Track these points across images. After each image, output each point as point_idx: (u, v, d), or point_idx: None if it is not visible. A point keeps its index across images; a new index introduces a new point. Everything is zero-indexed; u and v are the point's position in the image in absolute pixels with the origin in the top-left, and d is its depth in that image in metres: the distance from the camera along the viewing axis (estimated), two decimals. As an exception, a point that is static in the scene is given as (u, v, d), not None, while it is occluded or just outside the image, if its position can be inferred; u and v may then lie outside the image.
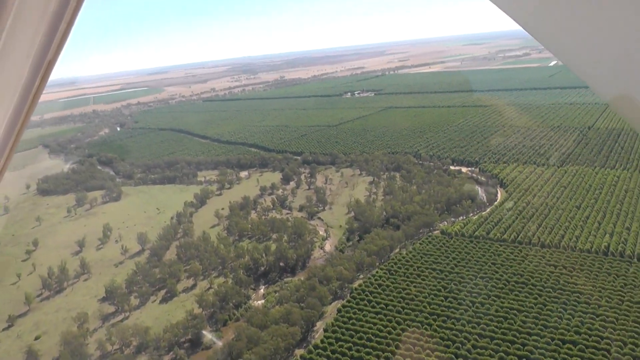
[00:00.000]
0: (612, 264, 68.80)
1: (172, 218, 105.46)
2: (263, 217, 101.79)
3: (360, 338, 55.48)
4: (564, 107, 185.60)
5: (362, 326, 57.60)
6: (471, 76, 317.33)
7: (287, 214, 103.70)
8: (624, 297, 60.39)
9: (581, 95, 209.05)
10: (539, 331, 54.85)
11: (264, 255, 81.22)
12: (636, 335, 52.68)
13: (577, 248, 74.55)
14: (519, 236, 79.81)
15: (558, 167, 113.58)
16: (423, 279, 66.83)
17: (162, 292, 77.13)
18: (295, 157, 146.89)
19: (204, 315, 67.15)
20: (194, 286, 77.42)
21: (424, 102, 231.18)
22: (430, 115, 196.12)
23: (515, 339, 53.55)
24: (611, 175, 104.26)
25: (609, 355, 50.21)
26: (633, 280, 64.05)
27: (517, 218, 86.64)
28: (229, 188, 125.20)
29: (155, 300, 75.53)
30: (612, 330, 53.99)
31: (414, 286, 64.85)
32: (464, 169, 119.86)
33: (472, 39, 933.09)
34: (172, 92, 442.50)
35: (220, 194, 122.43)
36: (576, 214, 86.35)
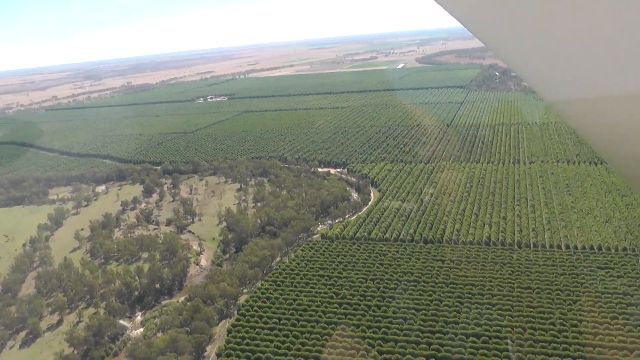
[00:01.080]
0: (496, 253, 74.80)
1: (24, 245, 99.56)
2: (129, 235, 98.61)
3: (259, 359, 52.05)
4: (419, 106, 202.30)
5: (257, 345, 54.40)
6: (323, 79, 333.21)
7: (155, 229, 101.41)
8: (513, 283, 65.63)
9: (434, 95, 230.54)
10: (441, 328, 56.77)
11: (136, 277, 77.92)
12: (532, 320, 57.28)
13: (460, 241, 79.86)
14: (401, 234, 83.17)
15: (426, 164, 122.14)
16: (312, 287, 65.55)
17: (22, 333, 69.16)
18: (155, 167, 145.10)
19: (77, 355, 61.50)
20: (60, 322, 71.19)
21: (280, 105, 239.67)
22: (289, 118, 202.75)
23: (420, 339, 54.64)
24: (478, 168, 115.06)
25: (511, 343, 53.76)
26: (518, 267, 70.17)
27: (395, 216, 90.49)
28: (87, 205, 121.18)
29: (13, 346, 66.94)
30: (510, 317, 58.06)
31: (304, 295, 63.21)
32: (332, 171, 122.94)
33: (318, 43, 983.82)
34: (8, 101, 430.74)
35: (77, 213, 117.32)
36: (452, 208, 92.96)
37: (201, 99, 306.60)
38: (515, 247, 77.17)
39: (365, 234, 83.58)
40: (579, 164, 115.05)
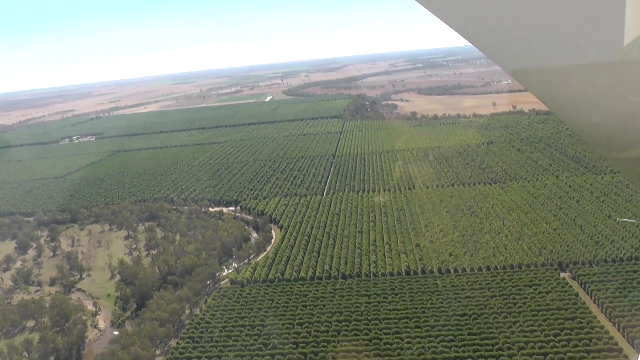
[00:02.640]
0: (420, 282, 74.99)
1: None
2: (7, 301, 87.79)
3: None
4: (299, 137, 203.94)
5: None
6: (193, 114, 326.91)
7: (38, 291, 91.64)
8: (447, 312, 65.81)
9: (311, 125, 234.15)
10: (388, 369, 54.70)
11: (25, 353, 68.88)
12: (479, 348, 57.28)
13: (380, 273, 79.20)
14: (316, 272, 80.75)
15: (322, 196, 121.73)
16: (236, 340, 60.32)
17: None
18: (27, 218, 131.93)
19: None
20: None
21: (154, 143, 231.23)
22: (165, 156, 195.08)
23: (370, 385, 52.00)
24: (378, 197, 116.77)
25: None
26: (447, 294, 70.70)
27: (304, 253, 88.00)
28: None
29: None
30: (455, 348, 57.58)
31: (229, 350, 57.76)
32: (225, 210, 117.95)
33: (178, 77, 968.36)
34: None
35: None
36: (362, 240, 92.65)
37: (67, 139, 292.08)
38: (437, 273, 78.13)
39: (279, 274, 79.93)
40: (474, 185, 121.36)
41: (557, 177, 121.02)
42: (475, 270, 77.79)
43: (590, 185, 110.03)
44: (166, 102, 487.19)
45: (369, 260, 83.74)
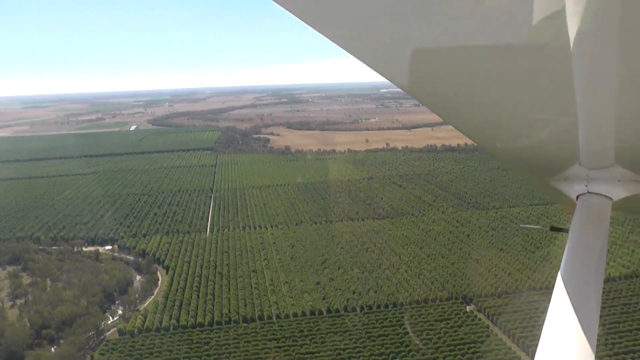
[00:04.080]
0: (328, 322, 73.10)
1: None
2: None
3: None
4: (173, 170, 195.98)
5: None
6: (53, 141, 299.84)
7: None
8: (364, 353, 64.48)
9: (183, 157, 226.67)
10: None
11: None
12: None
13: (284, 315, 76.24)
14: (214, 316, 75.89)
15: (206, 233, 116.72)
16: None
17: None
18: None
19: None
20: None
21: (10, 173, 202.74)
22: (24, 188, 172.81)
23: None
24: (265, 234, 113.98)
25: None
26: (359, 334, 69.48)
27: (198, 296, 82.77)
28: None
29: None
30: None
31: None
32: (101, 249, 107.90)
33: (30, 101, 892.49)
34: None
35: None
36: (258, 279, 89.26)
37: None
38: (342, 311, 76.82)
39: (174, 321, 73.78)
40: (362, 220, 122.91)
41: (442, 212, 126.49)
42: (382, 307, 77.57)
43: (477, 220, 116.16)
44: (19, 127, 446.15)
45: (270, 301, 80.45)
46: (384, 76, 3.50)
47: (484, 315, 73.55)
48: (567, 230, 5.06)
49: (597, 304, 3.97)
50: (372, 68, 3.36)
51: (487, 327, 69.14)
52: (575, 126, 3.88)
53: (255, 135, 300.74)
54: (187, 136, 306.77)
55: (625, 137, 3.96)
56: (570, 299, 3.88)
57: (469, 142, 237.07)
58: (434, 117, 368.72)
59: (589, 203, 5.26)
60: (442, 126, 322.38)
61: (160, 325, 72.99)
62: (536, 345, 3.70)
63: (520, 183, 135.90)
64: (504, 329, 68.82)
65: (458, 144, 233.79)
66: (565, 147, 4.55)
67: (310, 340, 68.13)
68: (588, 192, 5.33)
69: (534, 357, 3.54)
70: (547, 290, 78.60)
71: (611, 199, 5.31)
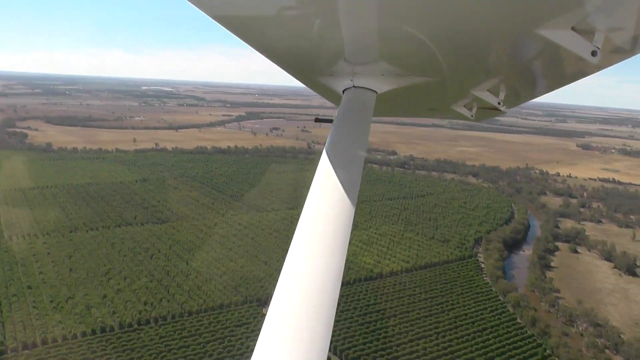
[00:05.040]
0: (123, 339, 68.40)
1: None
2: None
3: None
4: None
5: None
6: None
7: None
8: (166, 367, 61.82)
9: None
10: None
11: None
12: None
13: (70, 336, 69.10)
14: (-14, 344, 65.72)
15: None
16: None
17: None
18: None
19: None
20: None
21: None
22: None
23: None
24: (38, 243, 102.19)
25: None
26: (159, 347, 66.23)
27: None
28: None
29: None
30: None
31: None
32: None
33: None
34: None
35: None
36: (35, 296, 79.68)
37: None
38: (136, 325, 72.58)
39: None
40: (142, 225, 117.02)
41: (223, 215, 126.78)
42: (177, 317, 75.05)
43: (259, 222, 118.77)
44: None
45: (54, 320, 72.33)
46: None
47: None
48: (331, 121, 5.33)
49: (357, 181, 4.38)
50: None
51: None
52: (339, 22, 3.94)
53: (10, 129, 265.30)
54: None
55: (387, 32, 4.10)
56: (332, 179, 4.28)
57: (239, 144, 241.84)
58: (202, 118, 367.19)
59: (354, 96, 5.44)
60: (209, 127, 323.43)
61: None
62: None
63: (296, 185, 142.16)
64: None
65: (228, 146, 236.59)
66: (330, 44, 4.61)
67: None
68: (353, 87, 5.45)
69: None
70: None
71: (375, 92, 5.48)
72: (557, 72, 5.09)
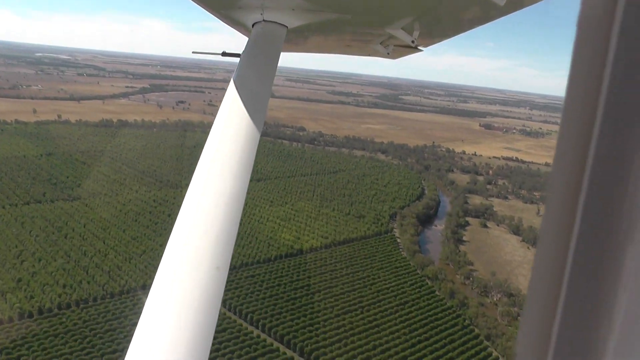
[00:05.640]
0: (45, 325, 65.52)
1: None
2: None
3: None
4: None
5: None
6: None
7: None
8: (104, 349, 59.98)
9: None
10: None
11: None
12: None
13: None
14: None
15: None
16: None
17: None
18: None
19: None
20: None
21: None
22: None
23: None
24: None
25: None
26: (91, 330, 64.06)
27: None
28: None
29: None
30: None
31: None
32: None
33: None
34: None
35: None
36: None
37: None
38: (56, 310, 69.55)
39: None
40: (53, 202, 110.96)
41: (136, 191, 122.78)
42: (99, 300, 72.72)
43: (174, 199, 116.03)
44: None
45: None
46: None
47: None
48: (239, 55, 5.28)
49: (263, 115, 4.43)
50: None
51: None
52: None
53: None
54: None
55: None
56: (237, 111, 4.29)
57: (145, 117, 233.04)
58: (104, 89, 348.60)
59: (263, 30, 5.36)
60: (113, 99, 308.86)
61: None
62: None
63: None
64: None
65: (135, 120, 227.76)
66: None
67: (29, 349, 60.04)
68: (263, 20, 5.37)
69: None
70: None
71: (286, 27, 5.44)
72: (468, 14, 5.23)
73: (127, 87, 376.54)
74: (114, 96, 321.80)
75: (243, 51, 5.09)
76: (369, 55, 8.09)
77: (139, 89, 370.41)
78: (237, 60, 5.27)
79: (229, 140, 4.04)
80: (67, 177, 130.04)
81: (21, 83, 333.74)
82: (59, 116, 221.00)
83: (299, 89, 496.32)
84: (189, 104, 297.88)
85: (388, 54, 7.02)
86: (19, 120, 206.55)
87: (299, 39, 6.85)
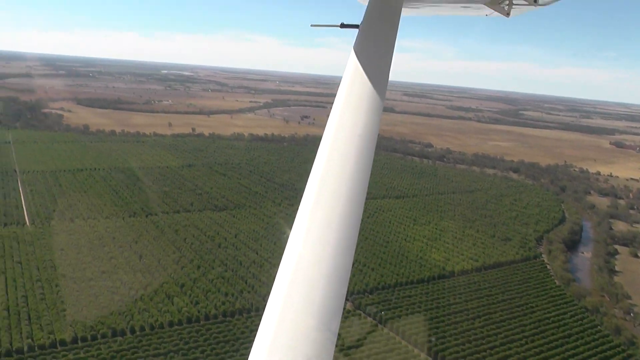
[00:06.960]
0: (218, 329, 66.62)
1: None
2: None
3: None
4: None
5: None
6: None
7: None
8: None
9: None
10: None
11: None
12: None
13: (157, 325, 67.46)
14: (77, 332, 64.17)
15: (32, 225, 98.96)
16: None
17: None
18: None
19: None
20: None
21: None
22: None
23: None
24: (99, 226, 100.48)
25: None
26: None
27: (47, 306, 69.32)
28: None
29: None
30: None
31: None
32: None
33: None
34: None
35: None
36: (113, 282, 77.99)
37: None
38: (221, 317, 70.57)
39: (29, 341, 60.32)
40: (201, 212, 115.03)
41: (278, 204, 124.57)
42: (261, 310, 72.96)
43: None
44: None
45: (139, 308, 70.51)
46: None
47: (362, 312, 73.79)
48: (357, 26, 5.21)
49: (385, 81, 4.27)
50: None
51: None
52: None
53: (45, 110, 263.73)
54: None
55: None
56: (358, 89, 4.25)
57: (275, 132, 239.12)
58: (230, 104, 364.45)
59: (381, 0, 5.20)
60: (239, 114, 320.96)
61: (12, 347, 59.07)
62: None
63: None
64: (390, 327, 69.73)
65: (265, 134, 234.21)
66: None
67: (202, 352, 61.09)
68: None
69: None
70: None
71: None
72: None
73: (251, 102, 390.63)
74: (240, 110, 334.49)
75: (362, 22, 5.14)
76: (485, 14, 7.53)
77: (263, 103, 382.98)
78: (355, 31, 5.47)
79: (351, 113, 4.33)
80: (211, 188, 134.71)
81: (153, 98, 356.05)
82: (193, 129, 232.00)
83: (416, 104, 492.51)
84: (314, 119, 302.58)
85: (506, 10, 6.82)
86: (157, 132, 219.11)
87: (417, 2, 6.96)
